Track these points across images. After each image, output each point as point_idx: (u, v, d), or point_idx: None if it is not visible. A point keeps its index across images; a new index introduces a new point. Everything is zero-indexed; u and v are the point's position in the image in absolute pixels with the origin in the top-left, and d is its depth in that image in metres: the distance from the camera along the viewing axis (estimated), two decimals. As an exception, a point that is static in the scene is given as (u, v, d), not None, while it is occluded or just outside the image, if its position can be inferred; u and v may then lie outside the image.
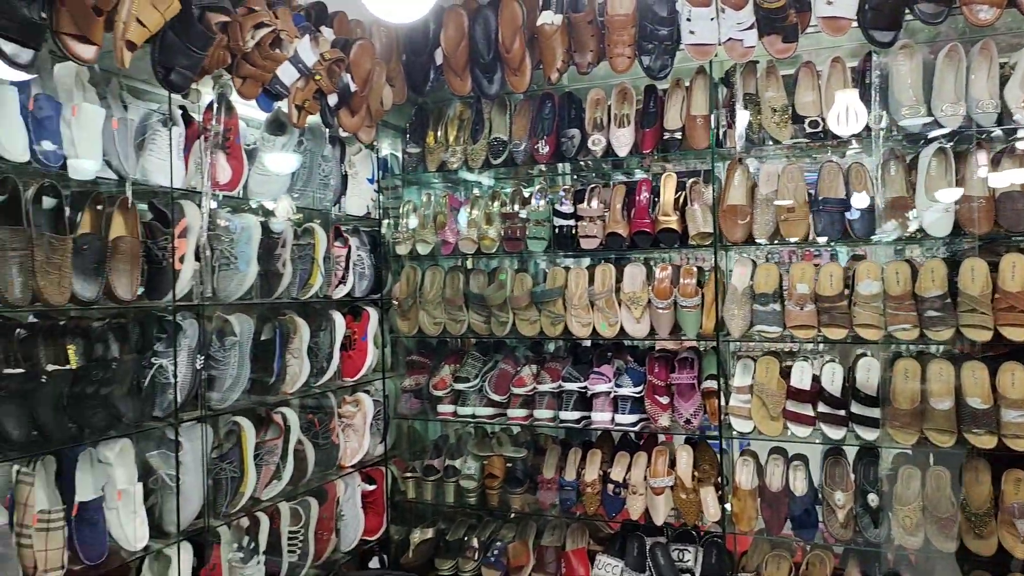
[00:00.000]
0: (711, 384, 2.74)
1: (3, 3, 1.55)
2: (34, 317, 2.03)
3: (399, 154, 3.37)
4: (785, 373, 2.64)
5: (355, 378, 3.03)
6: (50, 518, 1.88)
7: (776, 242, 2.67)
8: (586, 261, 3.21)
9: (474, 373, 3.13)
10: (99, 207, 2.05)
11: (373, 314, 3.13)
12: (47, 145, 1.87)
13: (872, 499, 2.49)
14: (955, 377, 2.39)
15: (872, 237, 2.51)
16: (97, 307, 2.04)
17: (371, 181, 3.19)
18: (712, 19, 2.49)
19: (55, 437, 1.90)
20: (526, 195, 3.14)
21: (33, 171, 1.89)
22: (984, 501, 2.34)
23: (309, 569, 2.74)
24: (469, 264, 3.35)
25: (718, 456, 2.81)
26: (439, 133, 3.16)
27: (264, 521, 2.55)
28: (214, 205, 2.36)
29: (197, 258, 2.30)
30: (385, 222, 3.27)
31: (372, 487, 3.14)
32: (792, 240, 2.61)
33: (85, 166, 1.93)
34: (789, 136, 2.60)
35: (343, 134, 2.89)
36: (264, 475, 2.54)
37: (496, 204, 3.12)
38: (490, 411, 3.07)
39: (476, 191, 3.31)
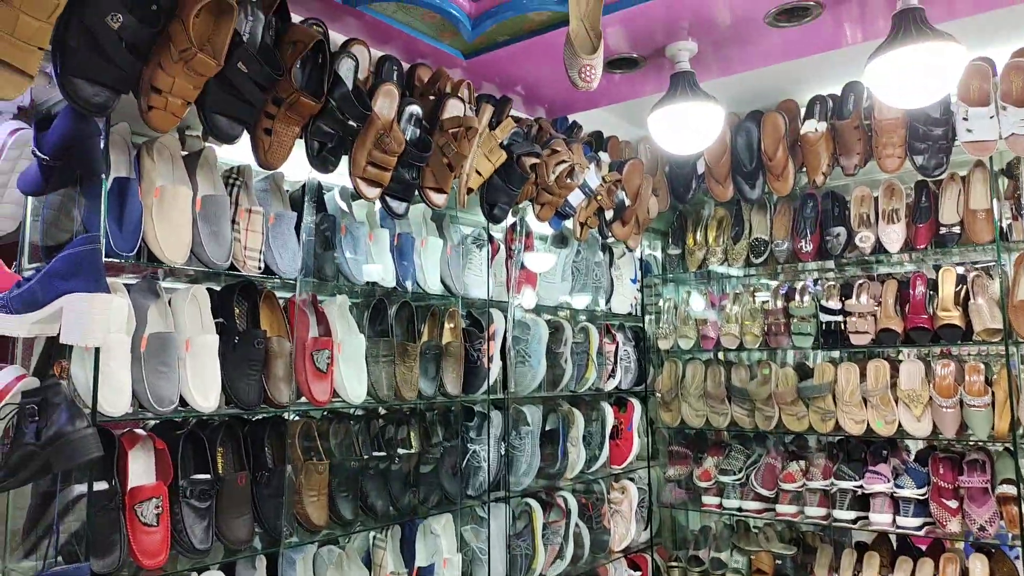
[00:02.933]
0: (1007, 489, 2.57)
1: (395, 173, 2.04)
2: (383, 409, 2.50)
3: (658, 254, 3.62)
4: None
5: (622, 466, 3.23)
6: (398, 579, 2.27)
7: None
8: (835, 354, 3.16)
9: (738, 466, 3.19)
10: (434, 318, 2.51)
11: (637, 405, 3.34)
12: (406, 271, 2.34)
13: None
14: None
15: None
16: (430, 400, 2.46)
17: (634, 281, 3.46)
18: (991, 117, 2.48)
19: (403, 509, 2.30)
20: (787, 291, 3.21)
21: (394, 292, 2.38)
22: None
23: (585, 649, 2.92)
24: (722, 357, 3.46)
25: (1018, 568, 2.60)
26: (698, 235, 3.37)
27: (551, 598, 2.79)
28: (517, 314, 2.75)
29: (502, 357, 2.68)
30: (647, 318, 3.51)
31: (637, 574, 3.27)
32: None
33: (431, 285, 2.39)
34: (1088, 226, 2.47)
35: (612, 241, 3.21)
36: (550, 554, 2.79)
37: (757, 300, 3.23)
38: (757, 505, 3.09)
39: (732, 289, 3.44)
